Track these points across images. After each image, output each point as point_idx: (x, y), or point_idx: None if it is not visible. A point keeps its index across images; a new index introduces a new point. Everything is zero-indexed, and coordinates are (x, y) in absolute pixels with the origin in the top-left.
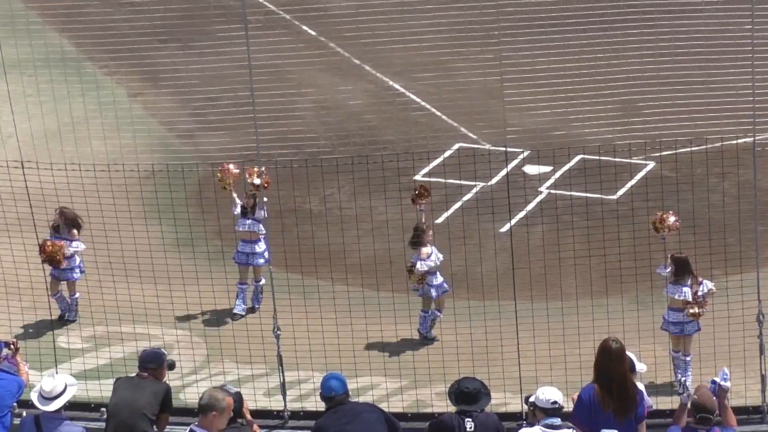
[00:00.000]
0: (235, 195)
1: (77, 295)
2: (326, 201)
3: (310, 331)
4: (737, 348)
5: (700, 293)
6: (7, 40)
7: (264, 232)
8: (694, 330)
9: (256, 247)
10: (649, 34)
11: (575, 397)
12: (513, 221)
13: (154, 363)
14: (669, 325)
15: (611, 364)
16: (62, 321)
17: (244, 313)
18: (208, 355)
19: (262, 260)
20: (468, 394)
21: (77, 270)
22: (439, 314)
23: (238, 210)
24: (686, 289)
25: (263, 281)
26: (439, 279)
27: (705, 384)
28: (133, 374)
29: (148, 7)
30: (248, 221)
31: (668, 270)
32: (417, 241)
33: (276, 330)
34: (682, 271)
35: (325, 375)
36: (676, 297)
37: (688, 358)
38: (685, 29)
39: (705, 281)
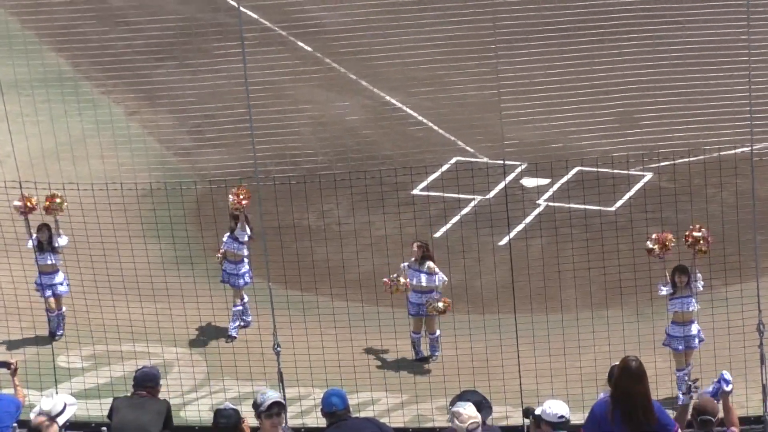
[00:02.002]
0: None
1: (64, 309)
2: (324, 217)
3: (310, 347)
4: (738, 358)
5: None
6: (3, 60)
7: (246, 253)
8: (701, 341)
9: (237, 267)
10: (645, 45)
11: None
12: (512, 234)
13: (152, 381)
14: (673, 341)
15: (631, 383)
16: (53, 338)
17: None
18: (208, 372)
19: (241, 281)
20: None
21: (65, 284)
22: (432, 336)
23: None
24: (693, 300)
25: (239, 305)
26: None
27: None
28: (128, 394)
29: (145, 25)
30: (231, 242)
31: (668, 286)
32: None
33: (276, 346)
34: (688, 280)
35: (326, 391)
36: (690, 310)
37: (688, 368)
38: (681, 40)
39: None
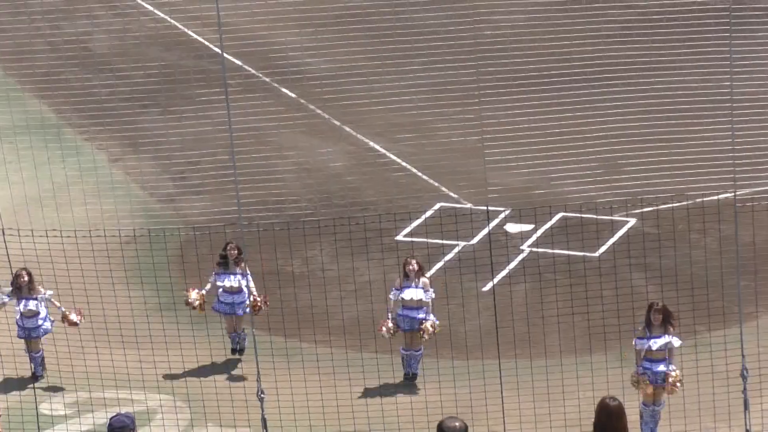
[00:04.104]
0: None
1: (41, 351)
2: (308, 263)
3: (294, 393)
4: (722, 403)
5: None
6: None
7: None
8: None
9: (238, 297)
10: (628, 92)
11: None
12: (495, 280)
13: (128, 428)
14: (648, 375)
15: (611, 422)
16: (35, 379)
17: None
18: (191, 419)
19: (243, 311)
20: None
21: (48, 323)
22: (417, 353)
23: (213, 278)
24: (662, 341)
25: (245, 329)
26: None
27: None
28: None
29: (128, 72)
30: (234, 275)
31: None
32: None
33: (260, 393)
34: (666, 318)
35: None
36: (655, 349)
37: (659, 407)
38: (664, 87)
39: (674, 338)
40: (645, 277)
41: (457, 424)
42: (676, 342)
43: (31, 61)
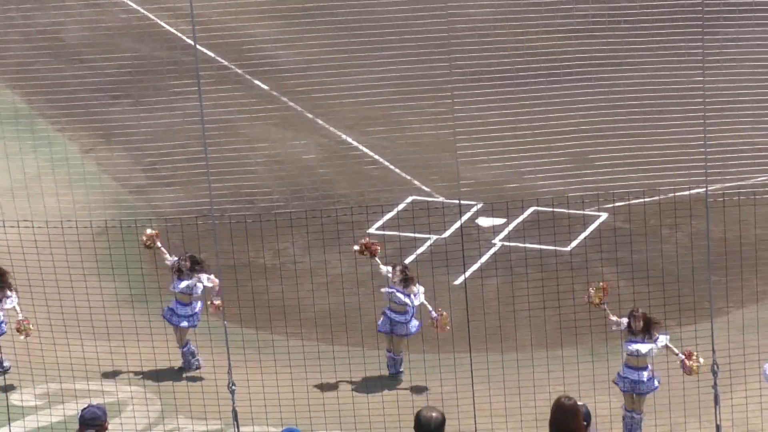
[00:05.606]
0: (163, 250)
1: None
2: (280, 255)
3: (265, 385)
4: (692, 398)
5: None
6: None
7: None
8: (649, 390)
9: (183, 309)
10: (600, 87)
11: None
12: (467, 274)
13: (100, 419)
14: (622, 381)
15: (565, 421)
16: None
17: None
18: (162, 411)
19: (186, 323)
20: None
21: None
22: (398, 357)
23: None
24: (651, 346)
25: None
26: (414, 322)
27: None
28: None
29: (101, 63)
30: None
31: (625, 325)
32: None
33: (231, 385)
34: (648, 326)
35: (281, 430)
36: (629, 352)
37: (638, 416)
38: (636, 81)
39: (660, 336)
40: (616, 271)
41: (434, 414)
42: (661, 341)
43: (3, 51)
